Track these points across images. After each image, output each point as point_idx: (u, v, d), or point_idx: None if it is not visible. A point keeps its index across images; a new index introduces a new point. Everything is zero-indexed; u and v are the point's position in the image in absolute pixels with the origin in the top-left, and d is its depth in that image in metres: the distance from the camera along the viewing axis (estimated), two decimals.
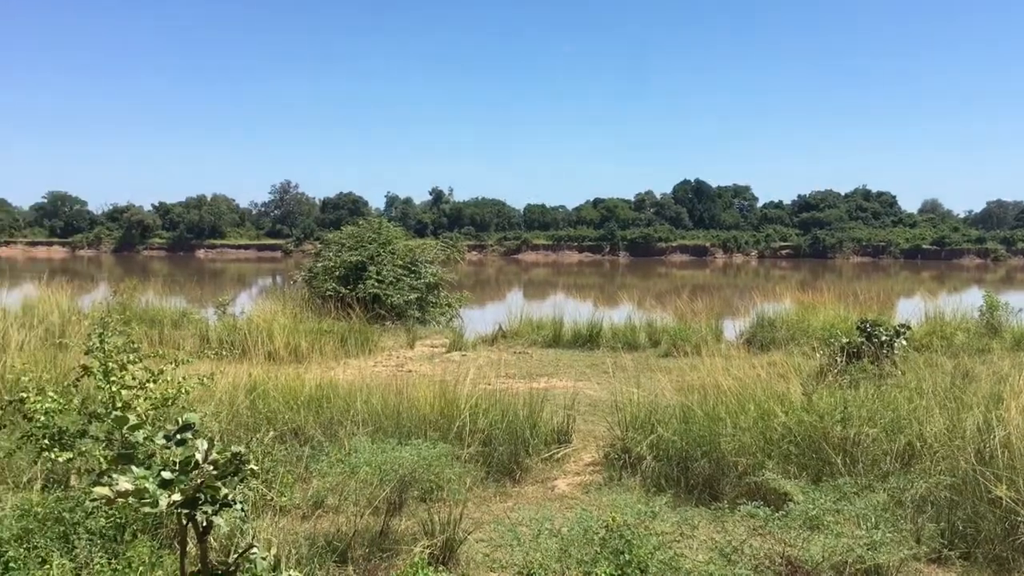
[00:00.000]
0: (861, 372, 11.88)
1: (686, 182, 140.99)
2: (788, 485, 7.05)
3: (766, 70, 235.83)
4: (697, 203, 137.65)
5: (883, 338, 13.58)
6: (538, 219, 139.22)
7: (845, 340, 13.80)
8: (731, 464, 8.49)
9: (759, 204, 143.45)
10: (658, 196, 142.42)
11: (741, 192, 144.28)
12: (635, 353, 17.80)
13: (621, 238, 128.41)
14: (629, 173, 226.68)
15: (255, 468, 4.58)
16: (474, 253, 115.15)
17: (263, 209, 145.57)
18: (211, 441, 4.34)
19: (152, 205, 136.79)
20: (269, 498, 7.53)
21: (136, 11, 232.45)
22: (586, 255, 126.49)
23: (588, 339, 19.29)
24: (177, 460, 4.25)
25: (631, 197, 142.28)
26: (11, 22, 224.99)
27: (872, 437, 8.23)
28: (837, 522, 6.25)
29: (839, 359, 12.93)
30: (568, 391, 12.21)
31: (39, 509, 6.21)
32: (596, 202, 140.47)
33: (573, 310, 21.99)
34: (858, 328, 14.16)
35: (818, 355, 13.99)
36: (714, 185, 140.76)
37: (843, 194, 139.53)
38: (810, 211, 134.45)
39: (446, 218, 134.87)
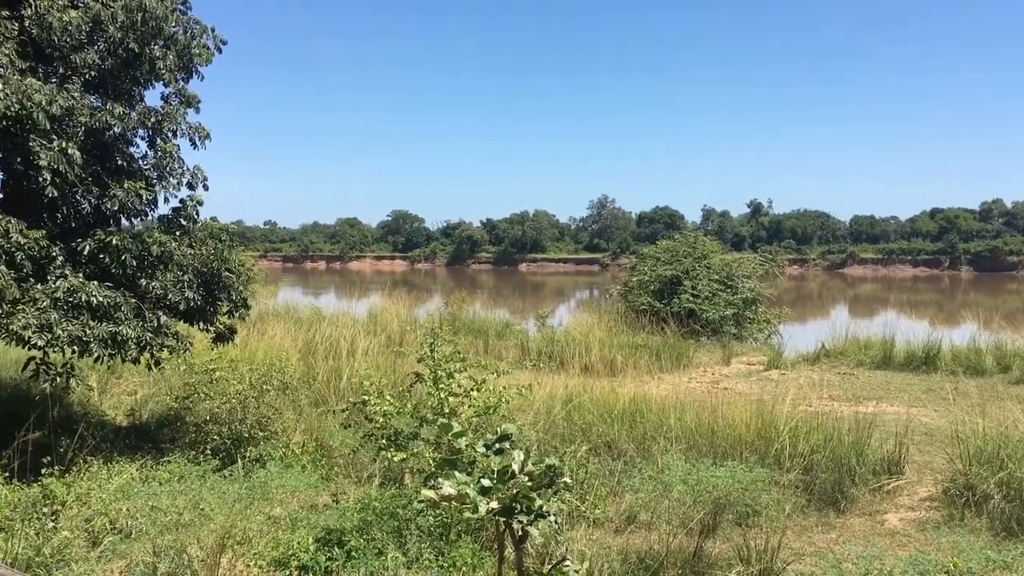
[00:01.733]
0: None
1: None
2: None
3: None
4: None
5: None
6: (866, 231, 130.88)
7: None
8: None
9: None
10: (1008, 204, 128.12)
11: None
12: (980, 379, 15.99)
13: (963, 251, 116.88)
14: (972, 180, 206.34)
15: (568, 481, 4.63)
16: (794, 267, 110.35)
17: (581, 224, 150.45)
18: (527, 452, 4.44)
19: (480, 221, 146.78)
20: (582, 510, 7.63)
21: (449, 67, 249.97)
22: (921, 270, 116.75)
23: (923, 361, 17.61)
24: (495, 469, 4.40)
25: (975, 206, 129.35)
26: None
27: None
28: None
29: None
30: (900, 417, 11.23)
31: (377, 504, 6.75)
32: (933, 212, 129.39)
33: (906, 329, 20.19)
34: None
35: None
36: None
37: None
38: None
39: (765, 231, 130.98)
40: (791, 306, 32.08)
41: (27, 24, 8.06)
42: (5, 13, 7.97)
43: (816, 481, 8.59)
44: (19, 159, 7.86)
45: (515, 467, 4.33)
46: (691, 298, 23.75)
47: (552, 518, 4.38)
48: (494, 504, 4.18)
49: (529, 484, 4.28)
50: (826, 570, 6.25)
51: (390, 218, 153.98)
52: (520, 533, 4.36)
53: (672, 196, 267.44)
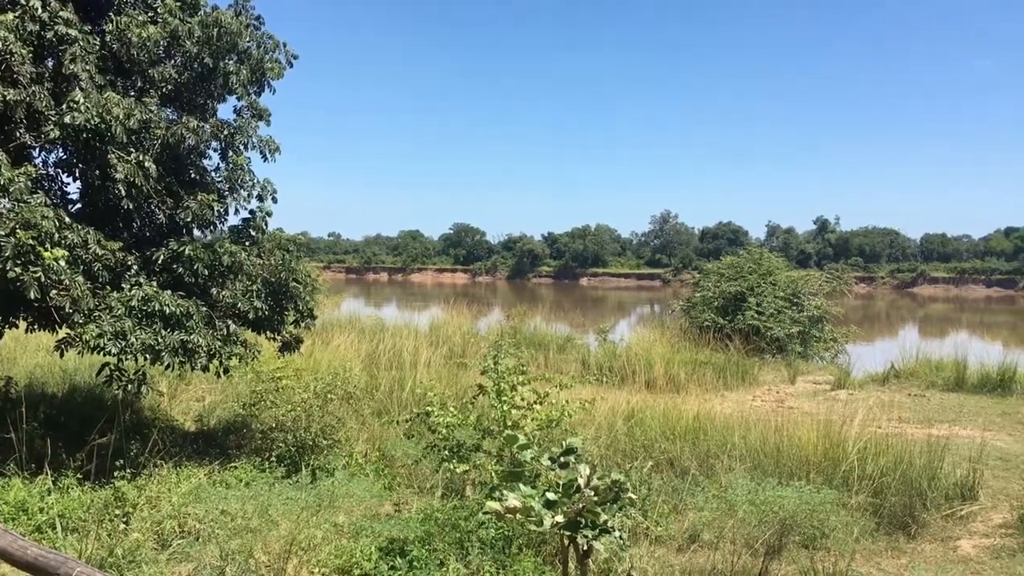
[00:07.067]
0: None
1: None
2: None
3: None
4: None
5: None
6: (937, 249, 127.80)
7: None
8: None
9: None
10: None
11: None
12: None
13: None
14: None
15: (633, 497, 4.59)
16: (862, 286, 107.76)
17: (643, 239, 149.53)
18: (593, 467, 4.42)
19: (541, 235, 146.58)
20: (645, 527, 7.55)
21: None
22: (995, 290, 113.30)
23: (998, 384, 17.08)
24: (560, 482, 4.38)
25: None
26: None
27: None
28: None
29: None
30: (974, 441, 10.90)
31: (439, 515, 6.77)
32: (1008, 231, 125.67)
33: (980, 351, 19.66)
34: None
35: None
36: None
37: None
38: None
39: (831, 248, 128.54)
40: (858, 325, 31.43)
41: (108, 39, 8.31)
42: (87, 28, 8.23)
43: (886, 504, 8.38)
44: (97, 171, 8.09)
45: (580, 481, 4.30)
46: (756, 315, 23.44)
47: (617, 534, 4.34)
48: (559, 518, 4.16)
49: (595, 499, 4.25)
50: None
51: (451, 231, 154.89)
52: (584, 548, 4.33)
53: (735, 212, 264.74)
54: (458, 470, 7.82)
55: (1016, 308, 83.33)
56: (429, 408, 8.45)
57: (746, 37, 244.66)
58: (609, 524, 4.28)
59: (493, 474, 7.44)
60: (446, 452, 8.07)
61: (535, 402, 8.44)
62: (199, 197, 8.82)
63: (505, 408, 8.08)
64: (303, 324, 9.98)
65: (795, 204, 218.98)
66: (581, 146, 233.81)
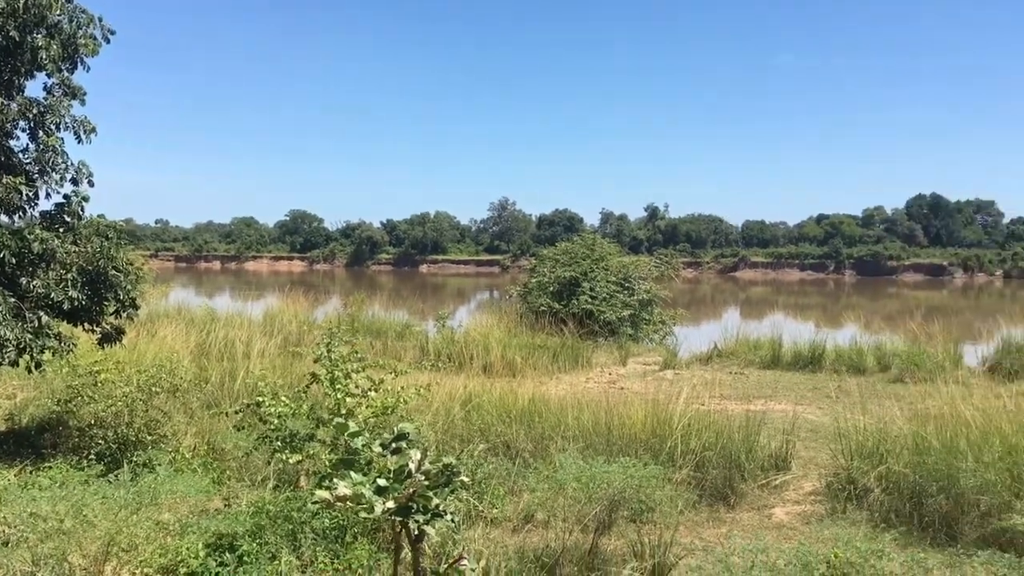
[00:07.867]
0: None
1: (920, 196, 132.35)
2: None
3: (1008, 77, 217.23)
4: (933, 219, 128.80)
5: None
6: (757, 236, 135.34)
7: None
8: (972, 503, 7.71)
9: (1005, 220, 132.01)
10: (889, 212, 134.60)
11: (984, 207, 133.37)
12: (861, 377, 16.70)
13: (847, 256, 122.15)
14: (856, 188, 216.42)
15: (465, 480, 4.64)
16: (689, 270, 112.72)
17: (482, 225, 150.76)
18: (424, 451, 4.43)
19: (380, 222, 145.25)
20: (480, 509, 7.64)
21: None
22: (808, 273, 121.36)
23: (810, 361, 18.34)
24: (392, 468, 4.38)
25: (858, 213, 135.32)
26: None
27: None
28: None
29: None
30: (787, 415, 11.61)
31: (271, 507, 6.61)
32: (820, 218, 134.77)
33: (793, 330, 20.96)
34: None
35: None
36: (952, 199, 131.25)
37: None
38: None
39: (661, 235, 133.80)
40: (685, 308, 32.84)
41: None
42: None
43: (708, 477, 8.81)
44: None
45: (412, 466, 4.31)
46: (589, 299, 24.07)
47: (449, 517, 4.38)
48: (390, 504, 4.16)
49: (426, 483, 4.27)
50: (714, 564, 6.42)
51: (288, 218, 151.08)
52: (416, 532, 4.35)
53: (572, 199, 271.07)
54: (291, 460, 7.66)
55: (826, 290, 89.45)
56: (260, 398, 8.24)
57: (583, 30, 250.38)
58: (441, 508, 4.31)
59: (327, 463, 7.33)
60: (278, 443, 7.89)
61: (370, 389, 8.38)
62: (4, 180, 8.24)
63: (339, 396, 7.98)
64: (125, 315, 9.49)
65: (628, 192, 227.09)
66: (419, 134, 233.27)
